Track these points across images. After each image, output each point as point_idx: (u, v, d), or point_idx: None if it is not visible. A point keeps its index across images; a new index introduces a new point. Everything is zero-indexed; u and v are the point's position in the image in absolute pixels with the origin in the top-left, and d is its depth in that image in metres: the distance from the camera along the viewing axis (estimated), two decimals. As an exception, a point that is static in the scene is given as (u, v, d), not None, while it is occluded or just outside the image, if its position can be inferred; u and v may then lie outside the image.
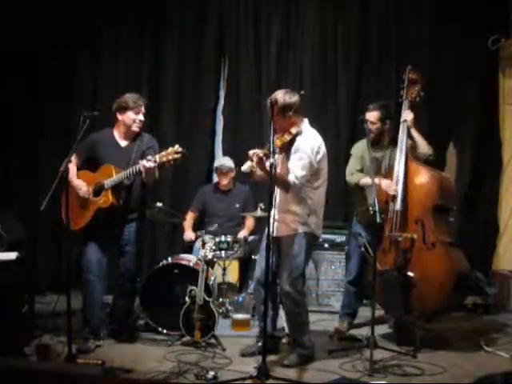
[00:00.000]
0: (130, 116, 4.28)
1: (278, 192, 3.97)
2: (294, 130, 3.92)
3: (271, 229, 3.89)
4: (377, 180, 4.21)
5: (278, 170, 3.90)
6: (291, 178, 3.86)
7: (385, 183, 4.41)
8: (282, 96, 3.92)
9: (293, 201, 3.94)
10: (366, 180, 4.52)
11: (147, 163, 3.94)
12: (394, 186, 4.38)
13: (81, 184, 4.22)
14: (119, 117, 4.31)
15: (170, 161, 3.92)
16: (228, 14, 6.09)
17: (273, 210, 3.89)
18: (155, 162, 3.93)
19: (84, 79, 6.12)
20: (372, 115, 4.60)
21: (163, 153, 3.94)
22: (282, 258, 3.99)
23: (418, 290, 4.16)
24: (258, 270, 4.13)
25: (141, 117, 4.31)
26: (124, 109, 4.28)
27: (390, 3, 5.94)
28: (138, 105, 4.29)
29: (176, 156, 3.90)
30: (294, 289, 3.98)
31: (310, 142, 3.95)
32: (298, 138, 3.95)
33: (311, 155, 3.91)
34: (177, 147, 3.91)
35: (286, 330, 4.23)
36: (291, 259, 3.97)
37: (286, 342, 4.28)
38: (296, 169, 3.88)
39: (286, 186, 3.91)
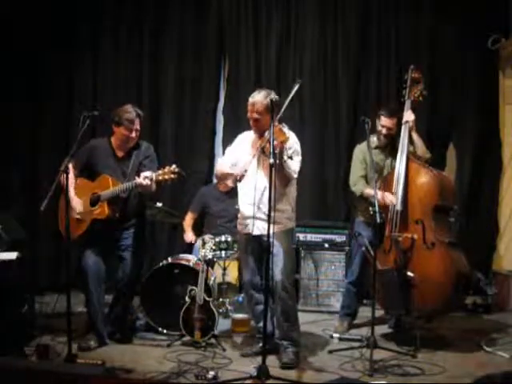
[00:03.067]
0: (122, 131, 4.26)
1: (262, 190, 3.93)
2: (285, 129, 3.87)
3: (251, 227, 3.96)
4: (379, 193, 4.24)
5: (262, 169, 3.93)
6: (292, 174, 3.93)
7: (387, 197, 4.41)
8: (265, 96, 3.90)
9: (279, 198, 3.92)
10: (368, 191, 4.50)
11: (143, 181, 3.95)
12: (393, 199, 4.38)
13: (75, 203, 4.23)
14: (114, 128, 4.31)
15: (166, 180, 3.94)
16: (228, 14, 6.09)
17: (250, 209, 3.96)
18: (151, 180, 3.95)
19: (84, 79, 6.12)
20: (392, 122, 4.60)
21: (160, 171, 3.96)
22: (274, 252, 3.91)
23: (418, 290, 4.16)
24: (248, 273, 4.13)
25: (133, 134, 4.25)
26: (117, 123, 4.27)
27: (390, 3, 5.94)
28: (130, 122, 4.23)
29: (172, 176, 3.92)
30: (289, 283, 4.04)
31: (296, 140, 4.01)
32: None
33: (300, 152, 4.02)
34: (174, 167, 3.93)
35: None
36: (284, 254, 3.97)
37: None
38: (293, 164, 3.92)
39: (287, 182, 3.95)
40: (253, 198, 3.96)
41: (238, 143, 4.21)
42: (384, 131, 4.61)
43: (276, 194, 3.82)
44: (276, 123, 3.75)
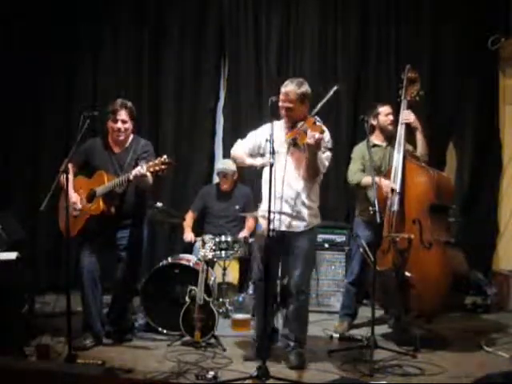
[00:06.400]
0: (110, 124, 4.27)
1: (287, 185, 3.84)
2: (319, 122, 3.81)
3: (278, 223, 3.83)
4: (377, 179, 4.22)
5: (293, 161, 3.87)
6: (322, 168, 3.89)
7: (385, 183, 4.41)
8: (299, 85, 3.87)
9: (307, 194, 3.90)
10: (367, 179, 4.53)
11: (135, 172, 3.95)
12: (392, 184, 4.39)
13: (75, 200, 4.23)
14: (107, 124, 4.32)
15: (157, 171, 3.93)
16: (228, 14, 6.09)
17: (277, 203, 3.80)
18: (142, 171, 3.94)
19: (84, 79, 6.12)
20: (389, 107, 4.70)
21: (151, 163, 3.95)
22: (295, 253, 3.91)
23: (415, 289, 4.16)
24: (260, 271, 4.00)
25: (118, 124, 4.23)
26: (107, 116, 4.27)
27: (390, 3, 5.94)
28: (113, 112, 4.21)
29: (163, 167, 3.92)
30: (307, 285, 4.04)
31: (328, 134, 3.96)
32: None
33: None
34: (164, 158, 3.92)
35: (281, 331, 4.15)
36: (307, 255, 3.95)
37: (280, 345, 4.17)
38: (325, 160, 3.89)
39: (316, 176, 3.91)
40: (281, 192, 3.83)
41: (264, 131, 4.01)
42: (391, 117, 4.68)
43: (307, 189, 3.86)
44: (309, 116, 3.77)
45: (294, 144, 3.84)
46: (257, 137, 4.06)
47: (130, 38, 6.14)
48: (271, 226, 3.87)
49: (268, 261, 3.80)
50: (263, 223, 4.01)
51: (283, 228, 3.90)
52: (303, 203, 3.90)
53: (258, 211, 4.15)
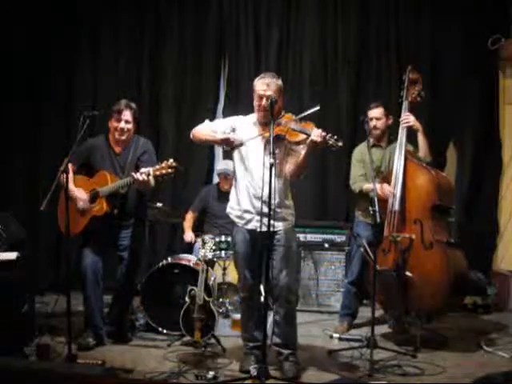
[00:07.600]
0: (112, 124, 4.27)
1: (266, 184, 3.55)
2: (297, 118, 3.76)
3: (258, 223, 3.68)
4: (378, 186, 4.24)
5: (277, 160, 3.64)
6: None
7: (386, 190, 4.42)
8: (276, 77, 3.78)
9: (286, 193, 3.85)
10: (368, 186, 4.53)
11: (140, 176, 3.91)
12: (392, 189, 4.40)
13: (80, 196, 4.22)
14: (108, 123, 4.32)
15: (163, 175, 3.89)
16: (228, 14, 6.09)
17: (258, 204, 3.68)
18: (148, 175, 3.91)
19: (84, 79, 6.12)
20: (377, 112, 4.65)
21: (157, 166, 3.91)
22: (280, 255, 3.79)
23: (416, 290, 4.16)
24: (250, 274, 3.83)
25: (122, 124, 4.22)
26: (110, 115, 4.28)
27: (390, 3, 5.94)
28: (118, 112, 4.21)
29: (170, 170, 3.87)
30: (295, 286, 3.99)
31: None
32: None
33: None
34: (171, 161, 3.89)
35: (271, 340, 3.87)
36: (292, 254, 3.88)
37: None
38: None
39: (301, 175, 3.83)
40: (260, 191, 3.58)
41: (234, 121, 3.89)
42: (373, 122, 4.64)
43: (285, 188, 3.81)
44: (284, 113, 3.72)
45: (278, 139, 3.63)
46: (225, 126, 3.88)
47: (130, 38, 6.14)
48: (251, 227, 3.80)
49: (266, 263, 3.66)
50: (240, 224, 3.87)
51: (264, 229, 3.61)
52: (282, 203, 3.81)
53: (228, 209, 3.98)
